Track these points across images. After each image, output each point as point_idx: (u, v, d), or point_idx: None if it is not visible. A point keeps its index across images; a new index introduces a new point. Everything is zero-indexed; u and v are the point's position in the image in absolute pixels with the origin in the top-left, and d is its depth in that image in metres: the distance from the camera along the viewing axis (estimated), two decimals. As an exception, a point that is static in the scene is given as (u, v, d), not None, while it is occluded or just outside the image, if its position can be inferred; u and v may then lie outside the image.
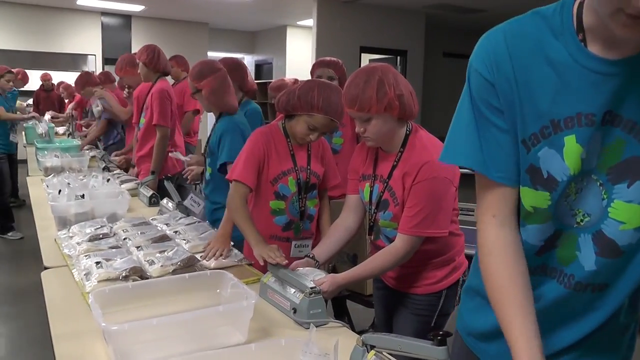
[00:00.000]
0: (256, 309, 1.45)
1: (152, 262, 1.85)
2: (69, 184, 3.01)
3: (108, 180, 3.19)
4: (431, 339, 1.11)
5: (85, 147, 4.90)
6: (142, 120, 3.73)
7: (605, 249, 0.96)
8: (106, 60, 11.21)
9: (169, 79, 4.05)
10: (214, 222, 2.68)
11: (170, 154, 3.53)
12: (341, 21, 9.52)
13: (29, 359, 3.30)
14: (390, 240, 1.86)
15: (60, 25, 11.21)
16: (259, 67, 14.55)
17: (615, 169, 0.92)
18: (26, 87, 7.52)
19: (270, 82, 4.93)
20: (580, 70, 0.91)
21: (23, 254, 5.23)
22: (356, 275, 1.80)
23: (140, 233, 2.16)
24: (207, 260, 1.99)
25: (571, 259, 1.00)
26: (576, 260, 1.00)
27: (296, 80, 4.06)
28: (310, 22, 9.98)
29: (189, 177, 3.08)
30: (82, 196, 2.65)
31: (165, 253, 1.92)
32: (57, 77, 8.54)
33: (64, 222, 2.45)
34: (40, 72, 8.61)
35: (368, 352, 1.25)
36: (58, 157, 4.07)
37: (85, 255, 1.92)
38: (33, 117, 5.52)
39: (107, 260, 1.83)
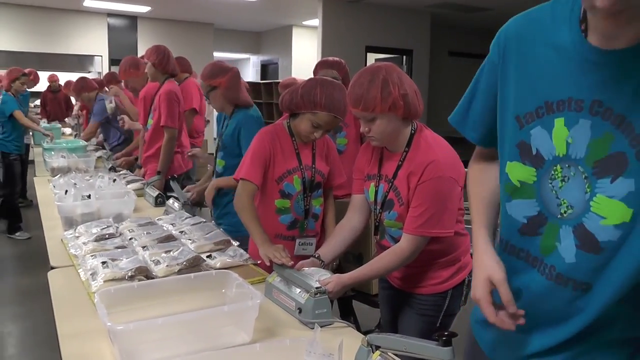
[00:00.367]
0: (261, 309, 1.45)
1: (157, 262, 1.85)
2: (75, 184, 3.02)
3: (114, 180, 3.20)
4: (436, 339, 1.11)
5: (92, 148, 4.91)
6: (150, 121, 3.74)
7: (585, 242, 0.97)
8: (112, 61, 11.25)
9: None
10: (224, 216, 2.71)
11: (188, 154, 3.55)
12: (346, 21, 9.52)
13: (37, 359, 3.31)
14: (396, 240, 1.85)
15: (66, 26, 11.27)
16: (264, 67, 14.57)
17: (601, 163, 0.94)
18: (33, 89, 7.56)
19: (274, 82, 4.96)
20: (576, 57, 0.95)
21: (30, 254, 5.26)
22: (362, 275, 1.80)
23: (146, 233, 2.16)
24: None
25: (551, 249, 1.03)
26: (555, 250, 1.02)
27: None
28: (315, 22, 9.98)
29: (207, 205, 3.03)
30: (89, 196, 2.66)
31: (171, 253, 1.92)
32: (63, 78, 8.57)
33: (70, 222, 2.46)
34: (47, 74, 8.63)
35: (373, 353, 1.25)
36: (65, 157, 4.08)
37: (92, 255, 1.92)
38: (48, 135, 5.48)
39: (113, 260, 1.83)
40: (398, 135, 1.80)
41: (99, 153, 4.66)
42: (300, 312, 1.60)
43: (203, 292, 1.59)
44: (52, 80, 8.45)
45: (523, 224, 1.07)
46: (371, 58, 10.09)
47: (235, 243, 2.15)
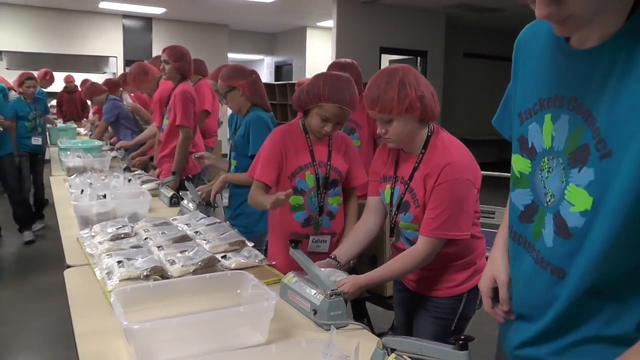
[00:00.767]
0: (276, 310, 1.45)
1: (172, 262, 1.86)
2: (91, 184, 3.04)
3: (129, 180, 3.22)
4: (453, 343, 1.10)
5: (107, 148, 4.94)
6: (165, 122, 3.76)
7: (559, 228, 1.05)
8: (127, 62, 11.32)
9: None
10: (238, 217, 2.73)
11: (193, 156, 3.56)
12: (361, 22, 9.51)
13: (54, 357, 3.34)
14: (411, 242, 1.85)
15: (82, 28, 11.38)
16: (278, 68, 14.61)
17: (573, 154, 1.02)
18: (49, 89, 7.63)
19: (288, 83, 4.94)
20: (561, 57, 1.05)
21: (47, 252, 5.31)
22: (378, 276, 1.79)
23: (161, 233, 2.17)
24: None
25: (539, 235, 1.10)
26: (541, 236, 1.10)
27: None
28: (330, 23, 9.98)
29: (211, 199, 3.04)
30: (104, 196, 2.67)
31: (186, 253, 1.92)
32: (79, 78, 8.65)
33: (86, 222, 2.47)
34: (63, 74, 8.73)
35: (389, 355, 1.24)
36: (80, 157, 4.11)
37: (107, 255, 1.93)
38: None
39: (129, 259, 1.84)
40: (414, 137, 1.80)
41: (113, 153, 4.69)
42: (315, 313, 1.60)
43: (218, 293, 1.59)
44: (68, 81, 8.54)
45: (521, 211, 1.16)
46: (385, 59, 10.08)
47: (250, 244, 2.15)
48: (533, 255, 1.12)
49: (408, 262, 1.78)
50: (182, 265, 1.83)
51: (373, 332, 1.80)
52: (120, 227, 2.24)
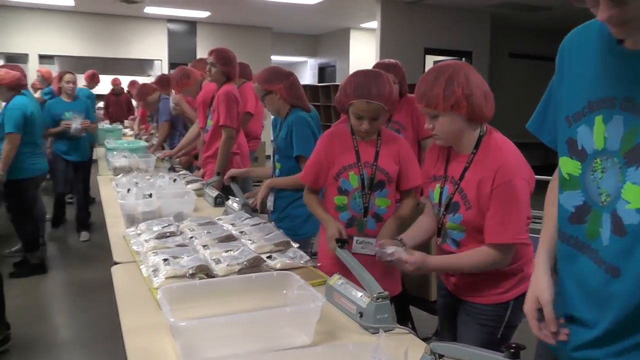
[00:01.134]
0: (321, 312, 1.43)
1: (218, 261, 1.86)
2: (137, 183, 3.09)
3: (174, 180, 3.26)
4: (503, 351, 1.07)
5: (156, 152, 4.97)
6: (209, 123, 3.80)
7: (616, 226, 1.06)
8: (172, 65, 11.55)
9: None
10: (283, 220, 2.75)
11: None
12: (405, 23, 9.43)
13: (99, 350, 3.41)
14: (457, 244, 1.81)
15: (128, 32, 11.68)
16: (321, 70, 14.64)
17: (630, 153, 1.03)
18: (97, 92, 7.83)
19: (332, 85, 4.93)
20: (611, 59, 1.07)
21: (94, 249, 5.45)
22: (447, 264, 1.81)
23: (207, 232, 2.18)
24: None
25: (595, 235, 1.11)
26: (599, 236, 1.10)
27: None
28: (373, 24, 9.94)
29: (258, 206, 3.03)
30: (150, 195, 2.71)
31: (231, 252, 1.92)
32: (125, 81, 8.89)
33: (132, 220, 2.51)
34: (110, 77, 8.98)
35: (437, 361, 1.21)
36: (126, 157, 4.19)
37: (153, 252, 1.95)
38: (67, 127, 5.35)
39: (174, 257, 1.85)
40: (462, 136, 1.76)
41: (158, 153, 4.76)
42: (361, 316, 1.57)
43: (264, 293, 1.58)
44: (115, 83, 8.81)
45: (572, 212, 1.17)
46: (429, 60, 9.97)
47: (295, 245, 2.14)
48: (588, 254, 1.13)
49: (480, 259, 1.75)
50: (228, 265, 1.83)
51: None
52: (166, 226, 2.26)
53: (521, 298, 1.80)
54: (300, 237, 2.39)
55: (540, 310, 1.22)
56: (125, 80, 8.97)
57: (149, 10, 10.70)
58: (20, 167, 4.23)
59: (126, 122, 8.05)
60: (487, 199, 1.71)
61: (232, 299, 1.56)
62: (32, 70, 10.05)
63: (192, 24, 12.18)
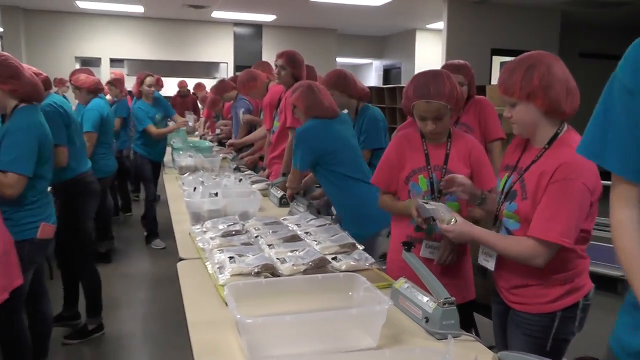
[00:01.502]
0: (386, 315, 1.41)
1: (283, 261, 1.86)
2: (203, 182, 3.15)
3: (240, 180, 3.30)
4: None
5: (226, 153, 4.99)
6: (276, 124, 3.84)
7: None
8: (237, 68, 11.79)
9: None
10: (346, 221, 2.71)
11: None
12: (471, 23, 9.23)
13: (163, 342, 3.51)
14: (510, 234, 1.78)
15: (196, 36, 12.02)
16: (387, 71, 14.57)
17: None
18: (164, 93, 8.07)
19: (397, 87, 4.86)
20: None
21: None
22: (489, 238, 1.76)
23: (272, 232, 2.19)
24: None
25: None
26: None
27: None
28: (440, 24, 9.80)
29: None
30: (216, 194, 2.75)
31: (297, 252, 1.93)
32: (191, 84, 9.14)
33: (197, 218, 2.55)
34: (177, 80, 9.25)
35: (506, 370, 1.16)
36: (192, 157, 4.29)
37: (219, 250, 1.97)
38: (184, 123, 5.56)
39: (240, 255, 1.87)
40: (536, 129, 1.73)
41: (223, 154, 4.84)
42: (427, 321, 1.54)
43: (329, 294, 1.58)
44: (182, 85, 9.08)
45: None
46: (496, 61, 9.73)
47: (361, 247, 2.11)
48: None
49: (515, 248, 1.70)
50: (293, 265, 1.83)
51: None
52: (231, 225, 2.29)
53: (571, 310, 1.75)
54: (364, 238, 2.35)
55: None
56: (191, 83, 9.23)
57: (216, 14, 10.96)
58: (94, 167, 4.41)
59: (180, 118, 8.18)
60: (542, 192, 1.65)
61: (297, 298, 1.56)
62: (105, 73, 10.51)
63: (257, 27, 12.39)
